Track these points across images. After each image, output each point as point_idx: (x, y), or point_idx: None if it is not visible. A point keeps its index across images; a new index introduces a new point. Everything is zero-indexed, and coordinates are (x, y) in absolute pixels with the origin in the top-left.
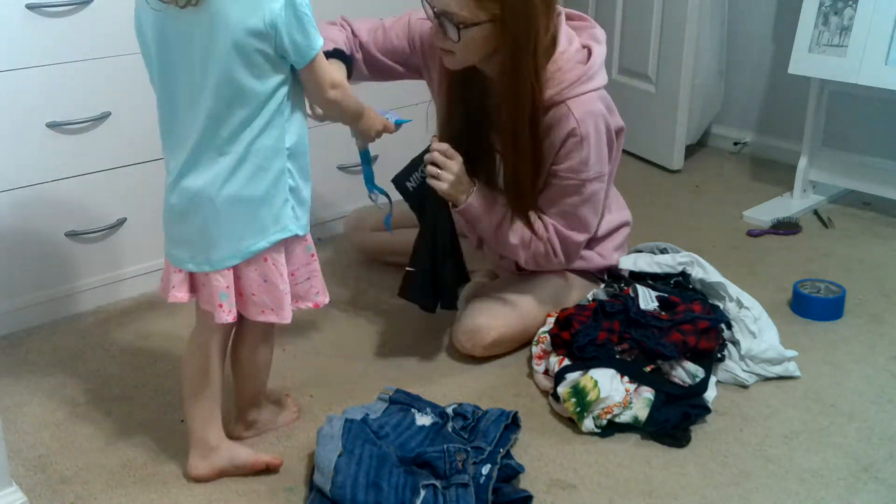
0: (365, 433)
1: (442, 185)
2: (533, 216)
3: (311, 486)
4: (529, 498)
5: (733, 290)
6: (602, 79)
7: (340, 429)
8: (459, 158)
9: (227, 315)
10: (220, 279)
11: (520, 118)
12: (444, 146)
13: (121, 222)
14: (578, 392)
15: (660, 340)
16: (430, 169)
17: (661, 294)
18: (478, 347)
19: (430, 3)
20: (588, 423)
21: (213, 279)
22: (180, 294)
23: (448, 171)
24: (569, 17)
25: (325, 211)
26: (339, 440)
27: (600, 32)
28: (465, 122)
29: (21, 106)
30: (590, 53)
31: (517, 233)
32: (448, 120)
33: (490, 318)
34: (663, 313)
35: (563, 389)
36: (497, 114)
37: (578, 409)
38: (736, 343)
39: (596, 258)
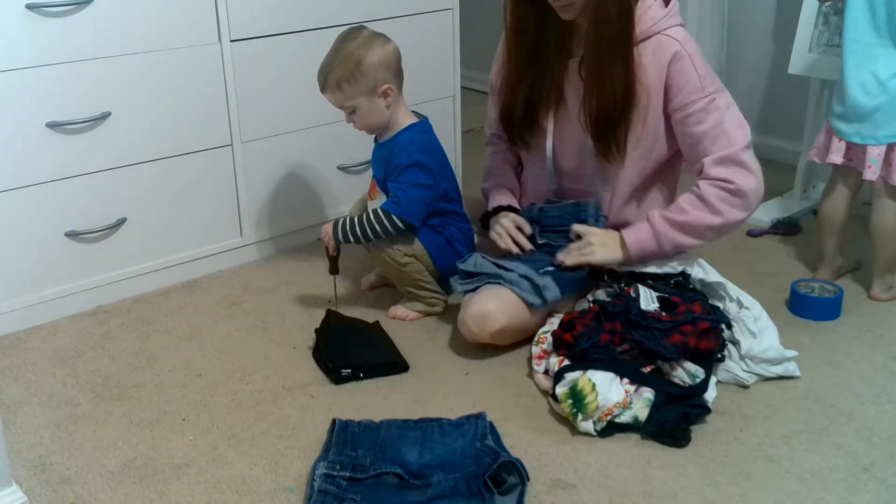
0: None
1: (601, 255)
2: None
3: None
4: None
5: (733, 290)
6: (680, 18)
7: None
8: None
9: (872, 175)
10: (875, 150)
11: (610, 45)
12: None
13: (121, 222)
14: (576, 394)
15: (660, 342)
16: (575, 249)
17: (662, 294)
18: (485, 333)
19: None
20: (587, 426)
21: (871, 150)
22: (837, 158)
23: (588, 240)
24: None
25: (325, 211)
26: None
27: None
28: (533, 75)
29: (21, 106)
30: None
31: (678, 209)
32: (513, 75)
33: (500, 305)
34: (664, 314)
35: (560, 390)
36: (585, 48)
37: (574, 411)
38: (736, 343)
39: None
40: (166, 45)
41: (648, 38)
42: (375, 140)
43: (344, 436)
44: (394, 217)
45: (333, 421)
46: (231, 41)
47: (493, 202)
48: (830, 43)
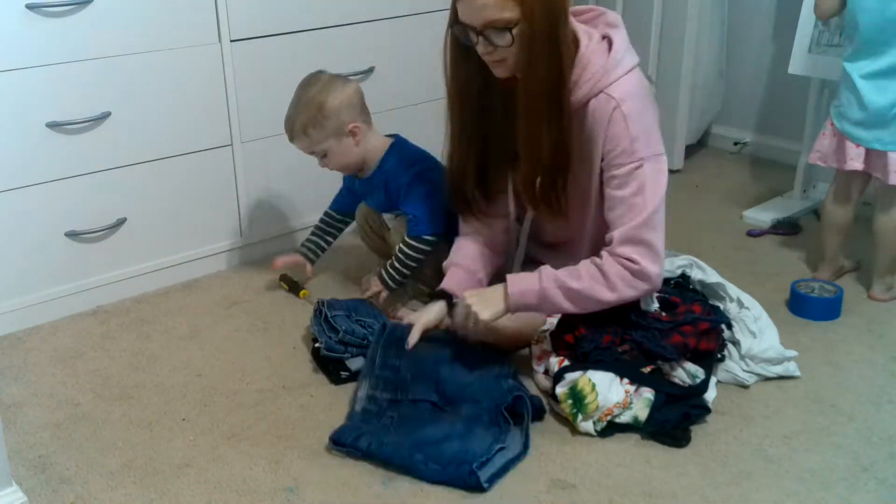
0: None
1: (483, 314)
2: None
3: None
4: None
5: (733, 290)
6: (631, 59)
7: None
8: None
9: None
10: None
11: (539, 108)
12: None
13: (121, 222)
14: (576, 394)
15: (660, 342)
16: (461, 314)
17: (661, 295)
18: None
19: (469, 24)
20: (587, 426)
21: (892, 156)
22: (857, 164)
23: (465, 303)
24: (576, 14)
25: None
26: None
27: (613, 16)
28: (481, 140)
29: (21, 106)
30: (610, 42)
31: (575, 274)
32: (461, 141)
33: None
34: (664, 314)
35: (560, 390)
36: (518, 118)
37: (574, 411)
38: (736, 343)
39: None
40: (166, 45)
41: (592, 97)
42: (355, 177)
43: (391, 338)
44: (424, 237)
45: (383, 324)
46: (231, 41)
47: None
48: (830, 43)
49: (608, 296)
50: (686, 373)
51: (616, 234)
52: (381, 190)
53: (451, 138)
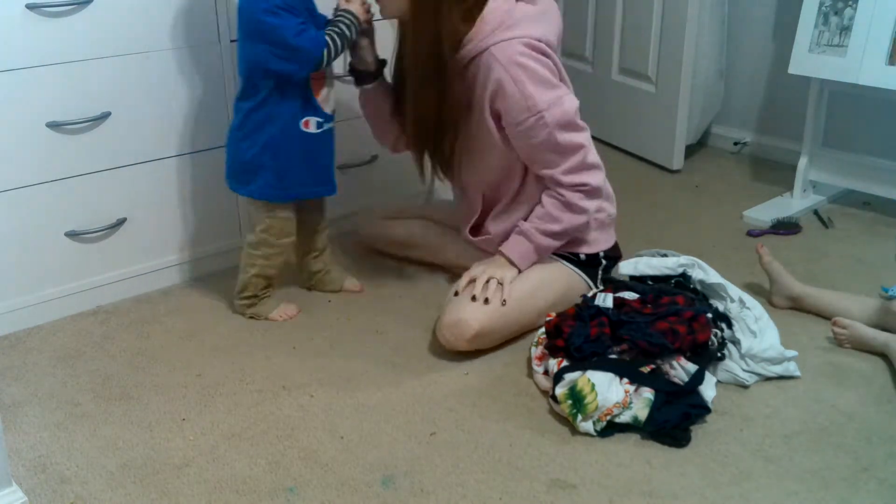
0: None
1: (507, 275)
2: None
3: None
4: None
5: (734, 290)
6: (529, 31)
7: None
8: None
9: None
10: None
11: (425, 64)
12: None
13: (121, 222)
14: (575, 395)
15: (646, 331)
16: (482, 287)
17: (647, 288)
18: (461, 341)
19: None
20: (586, 426)
21: None
22: None
23: (472, 273)
24: None
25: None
26: None
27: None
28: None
29: (21, 106)
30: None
31: (548, 217)
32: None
33: (472, 311)
34: (647, 306)
35: (560, 391)
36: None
37: (574, 411)
38: (737, 342)
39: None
40: (166, 45)
41: (479, 54)
42: None
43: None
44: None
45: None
46: (231, 41)
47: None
48: (830, 43)
49: (582, 218)
50: (685, 372)
51: (556, 172)
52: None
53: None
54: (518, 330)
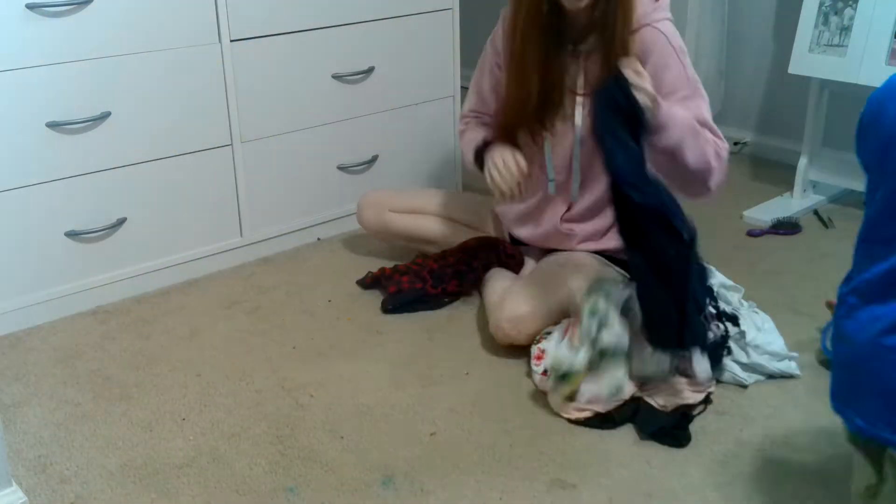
0: None
1: (648, 86)
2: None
3: None
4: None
5: (736, 296)
6: (668, 13)
7: None
8: None
9: None
10: None
11: (613, 37)
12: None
13: (121, 222)
14: (558, 374)
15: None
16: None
17: None
18: (522, 335)
19: None
20: (555, 400)
21: None
22: None
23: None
24: None
25: (324, 211)
26: None
27: None
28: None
29: (21, 106)
30: None
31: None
32: (523, 88)
33: (534, 308)
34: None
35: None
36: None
37: (560, 384)
38: (742, 334)
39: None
40: (166, 45)
41: (637, 29)
42: None
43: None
44: None
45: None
46: (231, 41)
47: (483, 139)
48: (830, 43)
49: (710, 155)
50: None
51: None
52: None
53: (517, 62)
54: (559, 314)
